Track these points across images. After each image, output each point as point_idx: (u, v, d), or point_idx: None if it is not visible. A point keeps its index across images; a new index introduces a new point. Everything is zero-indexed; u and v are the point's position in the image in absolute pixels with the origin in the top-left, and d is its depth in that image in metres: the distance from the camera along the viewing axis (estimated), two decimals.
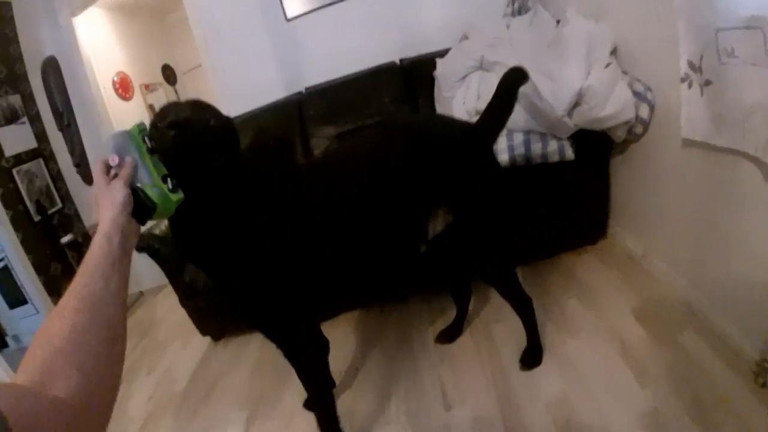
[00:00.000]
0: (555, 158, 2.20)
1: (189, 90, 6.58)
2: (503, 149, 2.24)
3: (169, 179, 1.01)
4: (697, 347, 1.68)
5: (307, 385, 1.82)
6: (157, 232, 2.54)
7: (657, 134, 1.93)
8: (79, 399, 0.58)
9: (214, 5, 3.43)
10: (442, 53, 2.75)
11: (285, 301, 1.57)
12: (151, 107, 5.63)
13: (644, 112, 1.91)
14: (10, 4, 4.22)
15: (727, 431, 1.38)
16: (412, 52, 3.04)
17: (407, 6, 3.22)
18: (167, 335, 3.19)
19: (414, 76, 2.86)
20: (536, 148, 2.20)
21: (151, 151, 1.00)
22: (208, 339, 2.84)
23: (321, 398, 1.82)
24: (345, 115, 2.81)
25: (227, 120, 1.40)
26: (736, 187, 1.49)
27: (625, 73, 2.02)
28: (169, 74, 6.40)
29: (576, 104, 2.00)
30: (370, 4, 3.23)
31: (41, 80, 4.36)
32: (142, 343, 3.21)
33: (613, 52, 2.04)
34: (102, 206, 0.87)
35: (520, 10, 2.74)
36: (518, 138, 2.22)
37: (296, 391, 2.03)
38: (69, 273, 3.96)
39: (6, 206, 3.75)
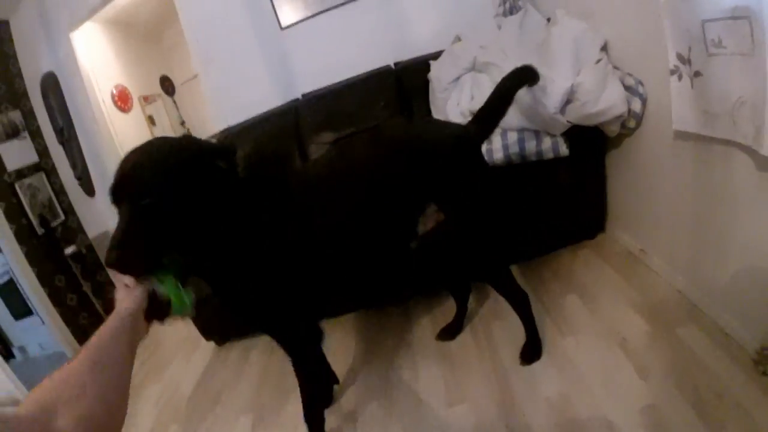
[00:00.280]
0: (550, 155, 2.19)
1: (188, 100, 6.59)
2: (498, 148, 2.24)
3: (179, 284, 1.12)
4: (697, 340, 1.67)
5: (302, 380, 1.82)
6: None
7: (650, 127, 1.92)
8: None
9: (209, 17, 3.44)
10: (436, 56, 2.76)
11: (286, 303, 1.58)
12: (150, 119, 5.64)
13: (636, 106, 1.90)
14: (7, 22, 4.25)
15: (729, 421, 1.37)
16: (406, 56, 3.05)
17: (400, 10, 3.23)
18: (174, 343, 3.19)
19: (408, 80, 2.86)
20: (530, 146, 2.19)
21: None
22: (212, 344, 2.84)
23: (310, 393, 1.85)
24: (342, 121, 2.81)
25: (189, 152, 1.34)
26: (729, 178, 1.48)
27: (616, 68, 2.01)
28: (167, 85, 6.42)
29: (568, 101, 2.00)
30: (363, 10, 3.24)
31: (41, 96, 4.39)
32: (149, 351, 3.21)
33: (604, 48, 2.04)
34: (122, 297, 1.00)
35: (512, 11, 2.74)
36: (512, 137, 2.22)
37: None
38: (73, 284, 3.98)
39: (9, 220, 3.76)
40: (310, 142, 2.82)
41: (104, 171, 4.32)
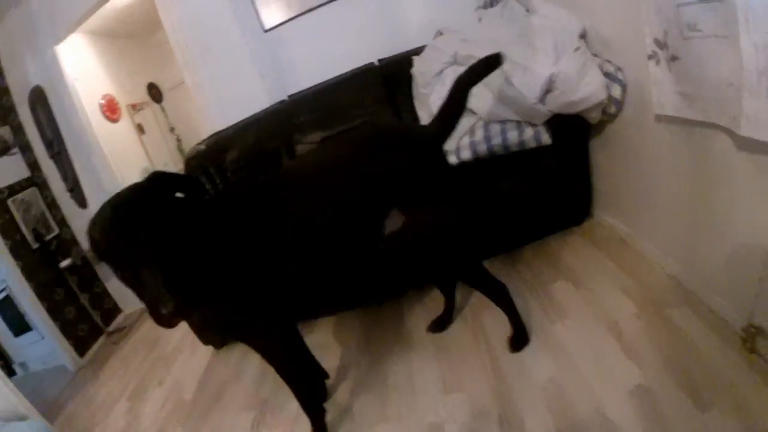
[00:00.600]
0: (532, 144, 2.19)
1: (176, 107, 6.54)
2: (480, 140, 2.25)
3: None
4: (685, 320, 1.68)
5: (287, 381, 1.83)
6: None
7: (631, 113, 1.92)
8: None
9: (192, 23, 3.39)
10: (419, 51, 2.74)
11: (254, 311, 1.60)
12: (139, 127, 5.59)
13: (617, 92, 1.90)
14: None
15: (719, 399, 1.37)
16: (390, 52, 3.02)
17: (382, 8, 3.21)
18: (174, 346, 3.18)
19: (393, 76, 2.84)
20: (513, 136, 2.19)
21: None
22: (211, 348, 2.83)
23: (300, 391, 1.86)
24: (329, 120, 2.79)
25: (151, 197, 1.39)
26: (710, 159, 1.48)
27: (595, 55, 2.01)
28: (154, 92, 6.36)
29: (548, 90, 1.99)
30: (344, 8, 3.21)
31: (29, 110, 4.35)
32: (150, 356, 3.21)
33: (583, 36, 2.03)
34: None
35: (492, 3, 2.73)
36: (495, 128, 2.22)
37: None
38: (71, 297, 3.94)
39: (4, 236, 3.73)
40: (298, 142, 2.80)
41: (96, 182, 4.29)
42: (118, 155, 4.66)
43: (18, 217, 3.96)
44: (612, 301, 1.91)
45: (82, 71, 4.65)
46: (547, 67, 1.96)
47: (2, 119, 4.25)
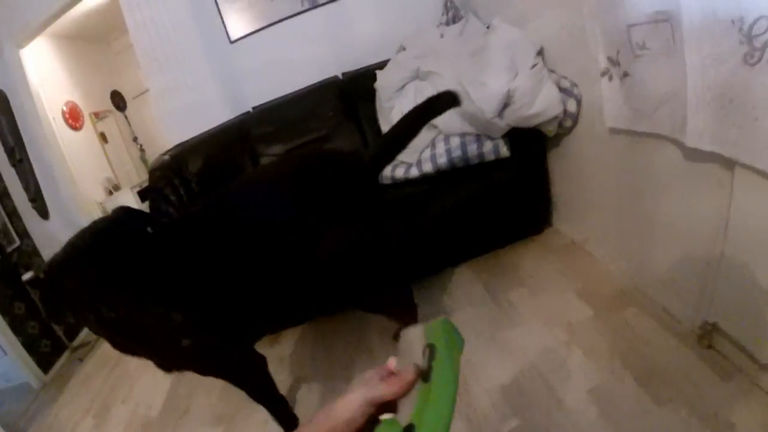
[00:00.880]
0: (491, 157, 2.22)
1: (139, 116, 6.40)
2: (441, 153, 2.26)
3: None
4: (641, 321, 1.73)
5: (262, 403, 1.81)
6: None
7: (586, 126, 1.96)
8: None
9: (157, 31, 3.31)
10: (382, 65, 2.74)
11: (214, 339, 1.59)
12: (102, 135, 5.46)
13: (572, 106, 1.94)
14: None
15: (676, 394, 1.42)
16: (354, 66, 3.02)
17: (347, 22, 3.21)
18: (138, 363, 3.04)
19: (355, 89, 2.84)
20: (472, 149, 2.21)
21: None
22: None
23: (275, 408, 1.83)
24: (291, 132, 2.77)
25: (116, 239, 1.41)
26: (660, 168, 1.54)
27: (552, 71, 2.05)
28: (118, 101, 6.22)
29: (506, 105, 2.02)
30: (309, 23, 3.20)
31: None
32: (115, 372, 3.10)
33: (540, 53, 2.07)
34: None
35: (454, 20, 2.77)
36: (455, 141, 2.24)
37: None
38: (33, 311, 3.74)
39: None
40: (262, 154, 2.77)
41: (57, 192, 4.15)
42: (81, 164, 4.54)
43: None
44: (569, 304, 1.95)
45: (46, 76, 4.52)
46: (504, 83, 1.98)
47: None
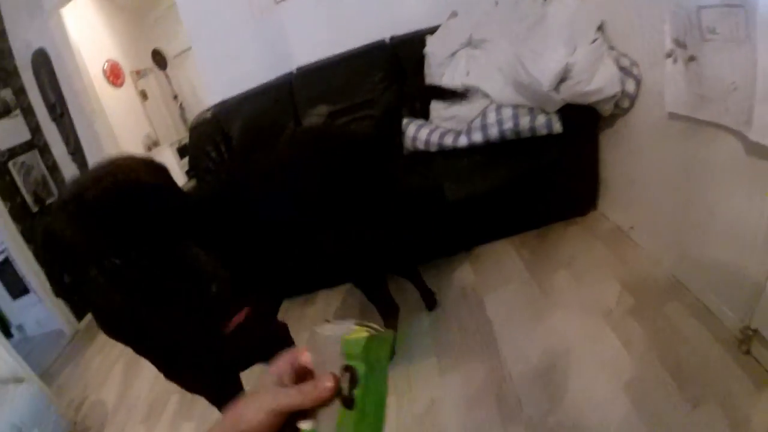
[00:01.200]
0: (543, 132, 2.21)
1: (180, 74, 6.53)
2: (492, 123, 2.27)
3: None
4: (681, 316, 1.72)
5: None
6: None
7: (644, 108, 1.94)
8: None
9: None
10: (432, 30, 2.75)
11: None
12: (142, 93, 5.60)
13: (630, 86, 1.92)
14: None
15: (710, 396, 1.41)
16: (401, 31, 3.02)
17: None
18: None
19: (404, 54, 2.87)
20: (524, 122, 2.21)
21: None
22: None
23: None
24: (336, 95, 2.84)
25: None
26: (718, 160, 1.51)
27: (611, 48, 2.02)
28: (159, 59, 6.35)
29: (562, 79, 2.01)
30: None
31: (32, 73, 4.34)
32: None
33: (600, 28, 2.04)
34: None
35: None
36: (507, 112, 2.24)
37: None
38: None
39: (4, 199, 3.75)
40: (305, 115, 2.84)
41: (97, 146, 4.31)
42: (121, 120, 4.69)
43: (18, 180, 3.98)
44: (610, 292, 1.95)
45: (87, 35, 4.65)
46: (563, 56, 1.97)
47: (4, 81, 4.23)
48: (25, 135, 4.29)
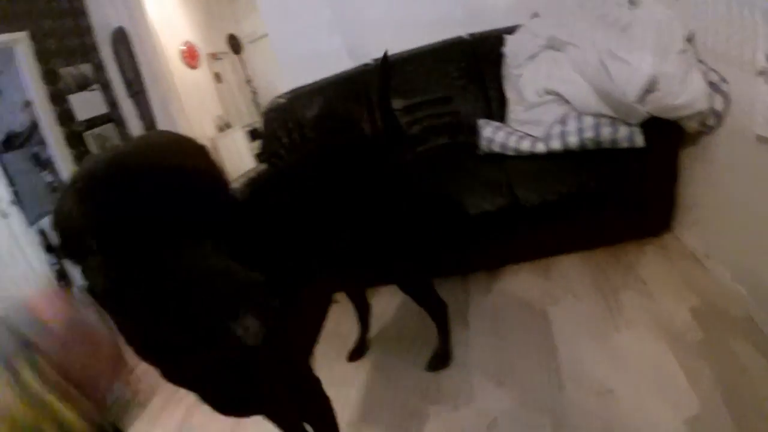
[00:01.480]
0: (624, 144, 2.18)
1: (254, 59, 6.79)
2: (572, 131, 2.27)
3: None
4: (750, 356, 1.66)
5: None
6: None
7: (731, 128, 1.88)
8: None
9: None
10: (511, 30, 2.78)
11: None
12: (217, 75, 5.87)
13: (718, 103, 1.87)
14: None
15: None
16: (479, 27, 3.06)
17: None
18: None
19: (482, 52, 2.90)
20: (606, 132, 2.19)
21: None
22: None
23: None
24: (412, 89, 2.91)
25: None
26: None
27: (700, 61, 1.98)
28: (234, 44, 6.63)
29: (648, 90, 1.99)
30: None
31: (111, 50, 4.64)
32: None
33: (689, 39, 2.01)
34: None
35: None
36: (588, 121, 2.23)
37: None
38: None
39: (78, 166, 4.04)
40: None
41: (171, 124, 4.56)
42: (195, 101, 4.94)
43: (94, 150, 4.27)
44: (680, 321, 1.91)
45: (165, 17, 4.92)
46: (651, 66, 1.96)
47: (84, 57, 4.55)
48: (102, 108, 4.61)
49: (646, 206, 2.39)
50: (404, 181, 1.96)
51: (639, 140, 2.16)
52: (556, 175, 2.36)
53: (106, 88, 4.74)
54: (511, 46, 2.69)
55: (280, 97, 3.23)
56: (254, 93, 6.76)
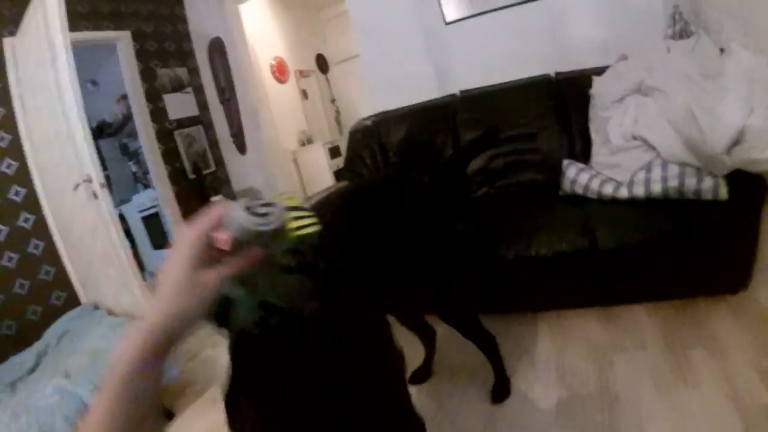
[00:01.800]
0: (708, 196, 2.16)
1: (339, 80, 7.06)
2: (656, 179, 2.26)
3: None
4: None
5: None
6: None
7: None
8: None
9: (375, 3, 3.71)
10: (600, 71, 2.80)
11: None
12: (303, 92, 6.13)
13: None
14: None
15: None
16: (567, 67, 3.11)
17: (563, 20, 3.31)
18: None
19: (569, 91, 2.95)
20: (690, 182, 2.18)
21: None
22: None
23: None
24: (498, 123, 2.93)
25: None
26: None
27: None
28: (321, 63, 6.93)
29: (736, 142, 1.96)
30: (526, 14, 3.36)
31: (207, 57, 4.97)
32: None
33: None
34: (172, 298, 0.61)
35: (681, 34, 2.71)
36: (673, 170, 2.22)
37: None
38: None
39: (166, 161, 4.34)
40: (464, 138, 3.01)
41: (257, 133, 4.80)
42: (281, 113, 5.19)
43: (181, 148, 4.56)
44: (747, 385, 1.84)
45: (260, 31, 5.23)
46: (740, 117, 1.93)
47: (180, 60, 4.89)
48: (193, 110, 4.91)
49: (724, 261, 2.32)
50: (451, 219, 2.00)
51: (723, 192, 2.13)
52: (637, 222, 2.34)
53: (198, 92, 5.05)
54: (598, 87, 2.72)
55: (366, 119, 3.37)
56: (337, 112, 7.02)
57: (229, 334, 0.86)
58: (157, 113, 4.60)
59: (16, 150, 3.50)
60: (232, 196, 4.82)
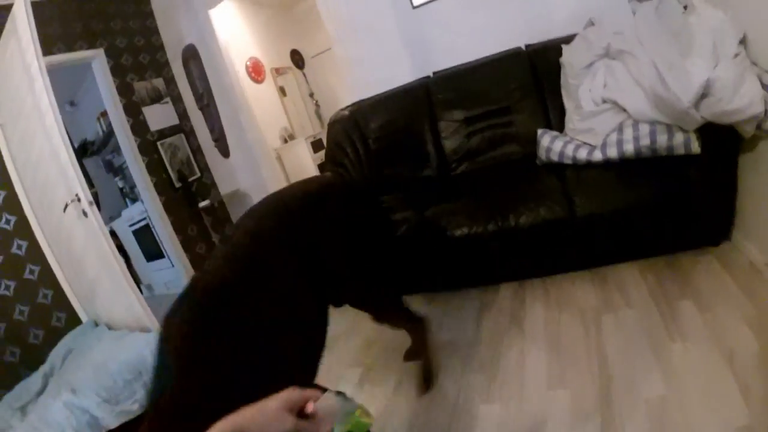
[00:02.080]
0: (681, 151, 2.20)
1: (317, 73, 7.08)
2: (628, 140, 2.31)
3: None
4: None
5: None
6: None
7: None
8: None
9: None
10: (568, 39, 2.83)
11: None
12: (281, 89, 6.15)
13: None
14: (148, 0, 4.93)
15: None
16: (537, 38, 3.13)
17: None
18: None
19: (540, 63, 2.98)
20: (662, 139, 2.22)
21: None
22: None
23: None
24: (472, 100, 3.02)
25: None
26: None
27: (754, 64, 1.98)
28: (297, 59, 6.93)
29: (703, 96, 1.99)
30: None
31: (182, 66, 4.98)
32: None
33: (742, 41, 2.00)
34: (255, 413, 0.73)
35: None
36: (644, 129, 2.26)
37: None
38: (204, 234, 4.62)
39: (151, 173, 4.38)
40: (441, 119, 3.05)
41: (239, 135, 4.84)
42: (261, 113, 5.19)
43: (165, 158, 4.60)
44: (735, 332, 1.87)
45: (232, 34, 5.23)
46: (705, 71, 1.97)
47: (157, 72, 4.92)
48: (173, 120, 4.94)
49: (704, 214, 2.36)
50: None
51: (695, 147, 2.16)
52: (614, 185, 2.39)
53: (177, 100, 5.07)
54: (567, 56, 2.76)
55: (343, 109, 3.39)
56: (317, 105, 7.03)
57: None
58: (138, 126, 4.62)
59: (2, 177, 3.51)
60: (219, 200, 4.86)
